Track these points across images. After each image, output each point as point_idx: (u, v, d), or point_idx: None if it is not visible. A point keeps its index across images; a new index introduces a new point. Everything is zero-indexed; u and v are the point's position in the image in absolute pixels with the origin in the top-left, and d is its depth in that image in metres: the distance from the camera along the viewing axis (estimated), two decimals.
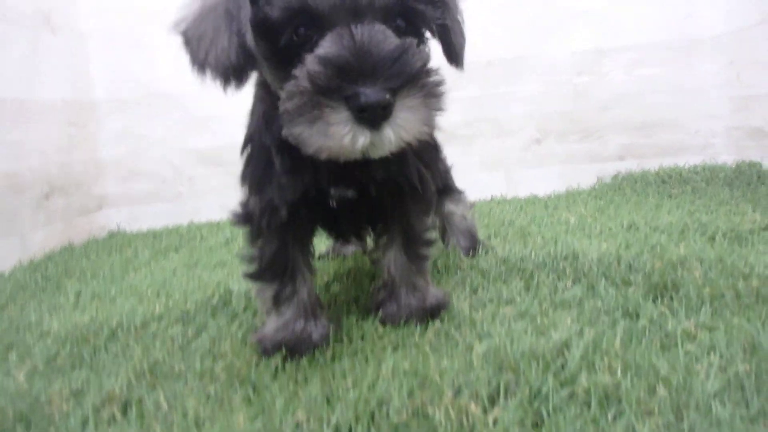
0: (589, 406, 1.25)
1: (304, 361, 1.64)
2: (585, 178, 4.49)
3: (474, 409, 1.27)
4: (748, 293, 1.82)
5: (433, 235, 2.05)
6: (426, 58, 1.38)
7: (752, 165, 4.01)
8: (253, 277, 1.83)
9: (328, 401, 1.37)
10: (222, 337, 1.89)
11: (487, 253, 2.60)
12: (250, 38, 1.37)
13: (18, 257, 3.52)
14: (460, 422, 1.24)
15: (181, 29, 1.53)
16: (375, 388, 1.38)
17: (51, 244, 3.85)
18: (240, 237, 3.62)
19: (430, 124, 1.40)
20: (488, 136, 4.50)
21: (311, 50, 1.36)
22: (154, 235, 4.09)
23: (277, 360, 1.64)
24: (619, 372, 1.36)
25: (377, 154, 1.35)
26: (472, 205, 2.78)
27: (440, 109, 1.40)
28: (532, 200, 4.18)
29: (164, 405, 1.43)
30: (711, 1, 4.23)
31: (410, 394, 1.35)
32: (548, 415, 1.24)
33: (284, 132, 1.38)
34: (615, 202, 3.71)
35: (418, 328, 1.78)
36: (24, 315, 2.39)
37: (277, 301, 1.79)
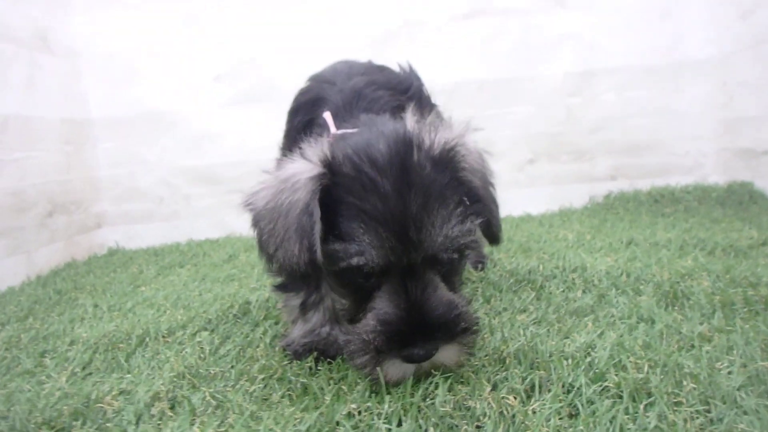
0: (621, 398, 1.32)
1: (336, 362, 1.70)
2: (576, 198, 4.58)
3: (513, 401, 1.33)
4: (757, 301, 1.90)
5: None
6: (471, 319, 1.50)
7: (744, 185, 4.11)
8: (281, 288, 1.89)
9: (375, 394, 1.43)
10: (250, 343, 1.94)
11: (494, 266, 2.66)
12: (320, 256, 1.46)
13: (26, 273, 3.57)
14: (500, 413, 1.30)
15: (252, 208, 1.64)
16: (418, 384, 1.44)
17: (55, 260, 3.89)
18: (242, 253, 3.67)
19: (463, 360, 1.52)
20: None
21: (368, 287, 1.50)
22: (155, 253, 4.12)
23: (309, 362, 1.69)
24: (646, 368, 1.43)
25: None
26: None
27: (473, 348, 1.55)
28: (526, 219, 4.26)
29: (212, 402, 1.48)
30: (700, 25, 4.35)
31: (450, 389, 1.41)
32: (582, 406, 1.31)
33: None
34: (609, 220, 3.79)
35: None
36: (48, 326, 2.43)
37: (304, 309, 1.85)
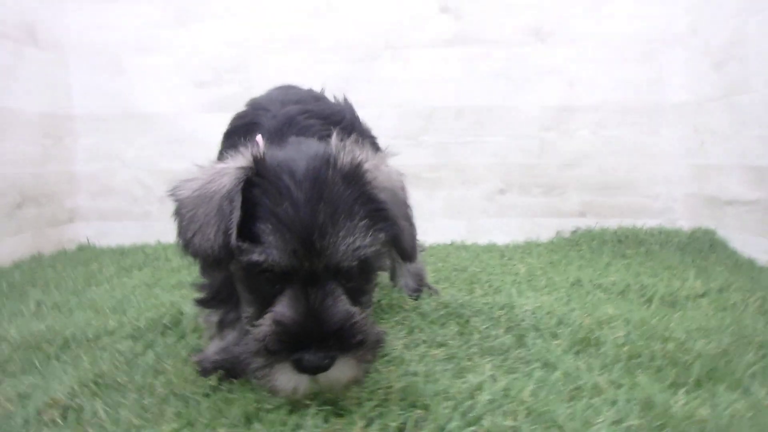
0: None
1: (237, 383, 1.75)
2: (544, 231, 4.63)
3: None
4: (662, 356, 1.95)
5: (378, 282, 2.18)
6: (368, 330, 1.55)
7: (707, 232, 4.14)
8: (202, 303, 1.95)
9: (248, 420, 1.49)
10: (167, 354, 2.00)
11: (430, 296, 2.71)
12: (234, 241, 1.52)
13: None
14: None
15: (177, 197, 1.70)
16: (293, 413, 1.50)
17: (20, 252, 3.95)
18: None
19: (363, 374, 1.57)
20: (453, 183, 4.63)
21: (272, 292, 1.56)
22: (122, 252, 4.19)
23: (213, 380, 1.75)
24: (521, 416, 1.49)
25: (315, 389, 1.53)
26: (424, 249, 2.89)
27: (373, 361, 1.61)
28: (490, 248, 4.29)
29: (101, 413, 1.54)
30: (678, 69, 4.40)
31: (326, 420, 1.47)
32: None
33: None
34: (569, 257, 3.84)
35: None
36: None
37: (221, 326, 1.91)
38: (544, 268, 3.44)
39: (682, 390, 1.69)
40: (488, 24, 4.50)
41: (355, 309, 1.55)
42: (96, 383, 1.74)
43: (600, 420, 1.49)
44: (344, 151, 1.65)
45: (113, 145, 4.67)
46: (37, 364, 1.94)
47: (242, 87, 4.50)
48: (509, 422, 1.45)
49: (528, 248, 4.25)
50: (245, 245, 1.51)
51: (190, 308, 2.50)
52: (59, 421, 1.52)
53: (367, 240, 1.55)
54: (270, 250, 1.48)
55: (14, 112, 3.94)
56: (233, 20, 4.54)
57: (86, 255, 4.09)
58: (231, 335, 1.90)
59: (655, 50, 4.43)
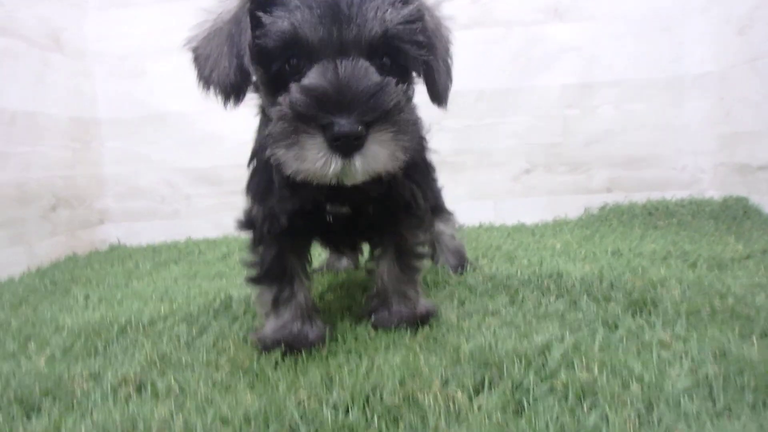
0: (566, 398, 1.36)
1: (302, 356, 1.75)
2: (572, 209, 4.62)
3: (460, 396, 1.38)
4: (723, 309, 1.94)
5: (426, 249, 2.17)
6: (401, 97, 1.49)
7: (739, 200, 4.13)
8: (254, 281, 1.94)
9: (326, 385, 1.49)
10: (224, 335, 2.00)
11: (474, 271, 2.72)
12: (247, 61, 1.52)
13: (26, 264, 3.67)
14: (447, 407, 1.35)
15: (192, 46, 1.70)
16: (369, 376, 1.49)
17: (56, 253, 3.99)
18: (236, 252, 3.74)
19: (399, 158, 1.50)
20: (478, 166, 4.63)
21: (299, 80, 1.49)
22: (154, 249, 4.21)
23: (276, 355, 1.75)
24: (595, 370, 1.48)
25: (349, 181, 1.47)
26: (461, 226, 2.89)
27: (409, 145, 1.51)
28: (519, 228, 4.30)
29: (175, 387, 1.54)
30: (699, 40, 4.38)
31: (401, 382, 1.46)
32: (528, 404, 1.35)
33: (268, 152, 1.50)
34: (601, 231, 3.83)
35: (408, 332, 1.89)
36: (38, 313, 2.52)
37: (276, 304, 1.90)
38: (579, 242, 3.43)
39: (752, 338, 1.68)
40: (505, 5, 4.49)
41: (388, 78, 1.49)
42: (162, 362, 1.75)
43: (675, 370, 1.48)
44: None
45: (139, 147, 4.70)
46: (100, 348, 1.95)
47: None
48: (585, 375, 1.44)
49: (558, 226, 4.26)
50: (270, 18, 1.49)
51: (237, 293, 2.51)
52: (134, 395, 1.53)
53: (399, 13, 1.53)
54: (295, 14, 1.46)
55: (45, 118, 3.97)
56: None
57: (119, 254, 4.12)
58: (287, 312, 1.89)
59: (674, 21, 4.40)
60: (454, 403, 1.36)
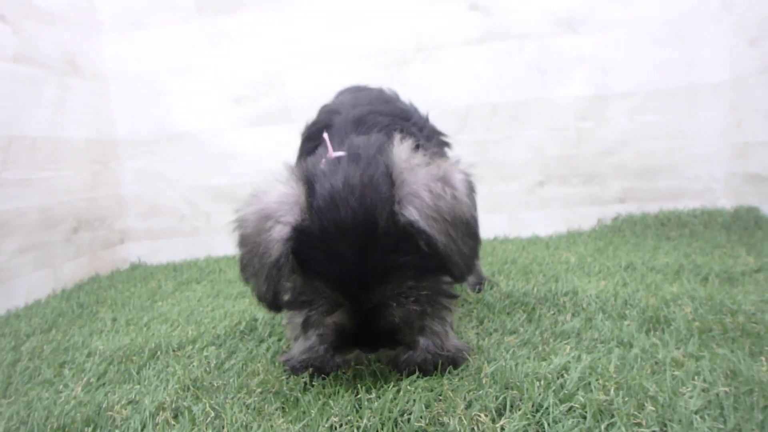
0: (584, 419, 1.43)
1: (330, 378, 1.82)
2: (586, 220, 4.66)
3: (484, 419, 1.45)
4: (733, 328, 2.00)
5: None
6: (414, 329, 1.69)
7: (750, 210, 4.16)
8: (287, 305, 2.01)
9: (356, 410, 1.56)
10: (252, 358, 2.08)
11: (492, 288, 2.78)
12: (282, 302, 1.73)
13: (51, 286, 3.77)
14: (472, 429, 1.42)
15: (239, 233, 1.82)
16: (397, 399, 1.56)
17: (79, 275, 4.08)
18: None
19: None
20: (492, 178, 4.68)
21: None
22: (175, 268, 4.29)
23: (304, 377, 1.82)
24: (612, 391, 1.54)
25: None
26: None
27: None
28: (534, 240, 4.35)
29: (211, 412, 1.61)
30: (713, 49, 4.39)
31: (427, 405, 1.53)
32: (548, 425, 1.42)
33: None
34: (614, 243, 3.88)
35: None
36: (69, 338, 2.60)
37: (306, 327, 1.95)
38: (593, 255, 3.48)
39: (761, 358, 1.74)
40: (518, 18, 4.54)
41: (407, 315, 1.65)
42: (195, 387, 1.83)
43: (688, 389, 1.54)
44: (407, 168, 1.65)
45: (158, 166, 4.79)
46: (133, 373, 2.03)
47: (279, 100, 4.60)
48: (602, 396, 1.50)
49: (572, 238, 4.30)
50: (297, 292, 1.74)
51: (262, 315, 2.58)
52: (172, 422, 1.60)
53: (419, 286, 1.67)
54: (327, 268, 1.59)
55: (65, 142, 4.06)
56: (265, 36, 4.63)
57: (141, 273, 4.20)
58: (315, 335, 1.93)
59: (687, 31, 4.42)
60: (478, 426, 1.43)
